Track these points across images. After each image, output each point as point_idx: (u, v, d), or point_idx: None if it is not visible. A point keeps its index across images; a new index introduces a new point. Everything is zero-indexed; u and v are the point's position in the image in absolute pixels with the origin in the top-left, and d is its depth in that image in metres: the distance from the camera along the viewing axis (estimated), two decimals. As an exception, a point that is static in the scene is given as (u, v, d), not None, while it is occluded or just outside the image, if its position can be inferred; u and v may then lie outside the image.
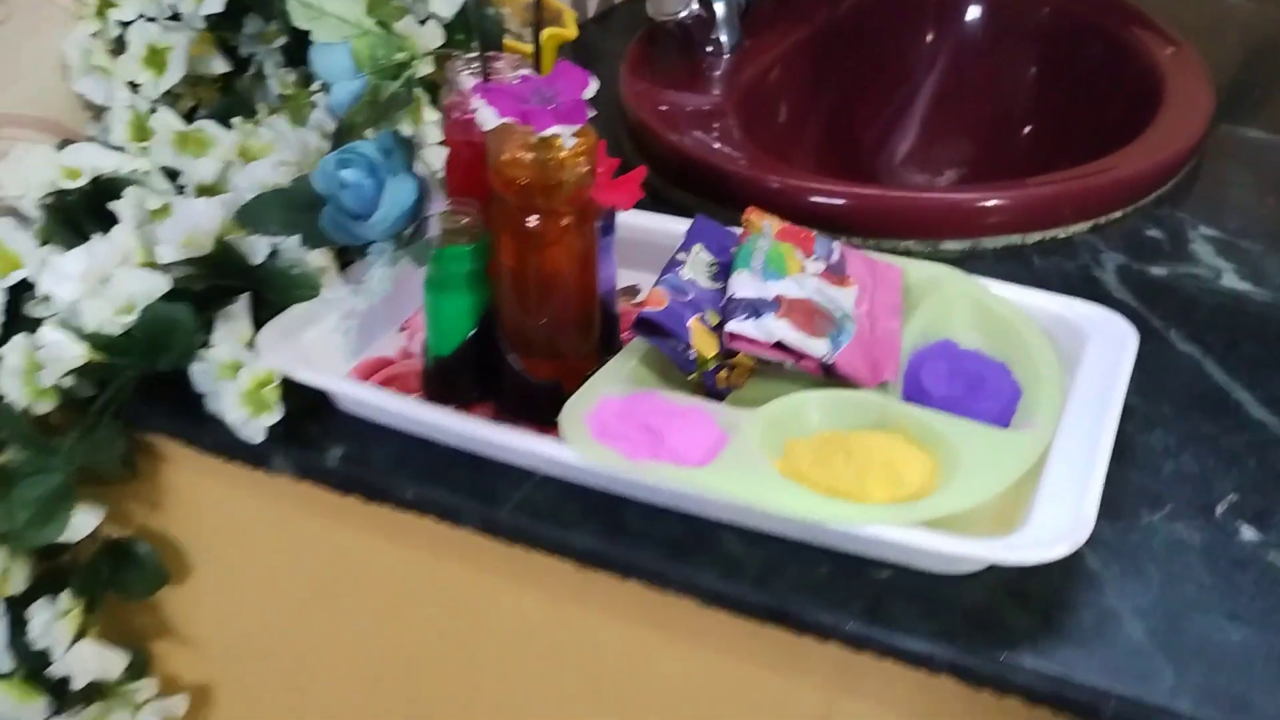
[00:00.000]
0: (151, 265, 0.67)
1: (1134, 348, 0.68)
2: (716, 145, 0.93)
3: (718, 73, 1.10)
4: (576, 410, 0.61)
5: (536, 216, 0.61)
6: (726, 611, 0.57)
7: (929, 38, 1.28)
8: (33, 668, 0.70)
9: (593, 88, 0.60)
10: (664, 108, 0.98)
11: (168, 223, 0.67)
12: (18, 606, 0.69)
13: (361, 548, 0.67)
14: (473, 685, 0.69)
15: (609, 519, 0.60)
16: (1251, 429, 0.67)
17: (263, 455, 0.65)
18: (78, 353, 0.63)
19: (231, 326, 0.66)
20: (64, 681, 0.71)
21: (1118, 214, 0.88)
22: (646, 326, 0.64)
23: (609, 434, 0.60)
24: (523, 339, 0.65)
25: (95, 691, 0.73)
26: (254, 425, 0.64)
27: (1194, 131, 0.95)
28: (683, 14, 1.08)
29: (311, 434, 0.65)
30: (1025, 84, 1.24)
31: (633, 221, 0.78)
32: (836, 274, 0.70)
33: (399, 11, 0.70)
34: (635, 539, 0.59)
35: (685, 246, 0.70)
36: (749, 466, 0.58)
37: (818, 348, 0.64)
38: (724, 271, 0.69)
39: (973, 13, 1.28)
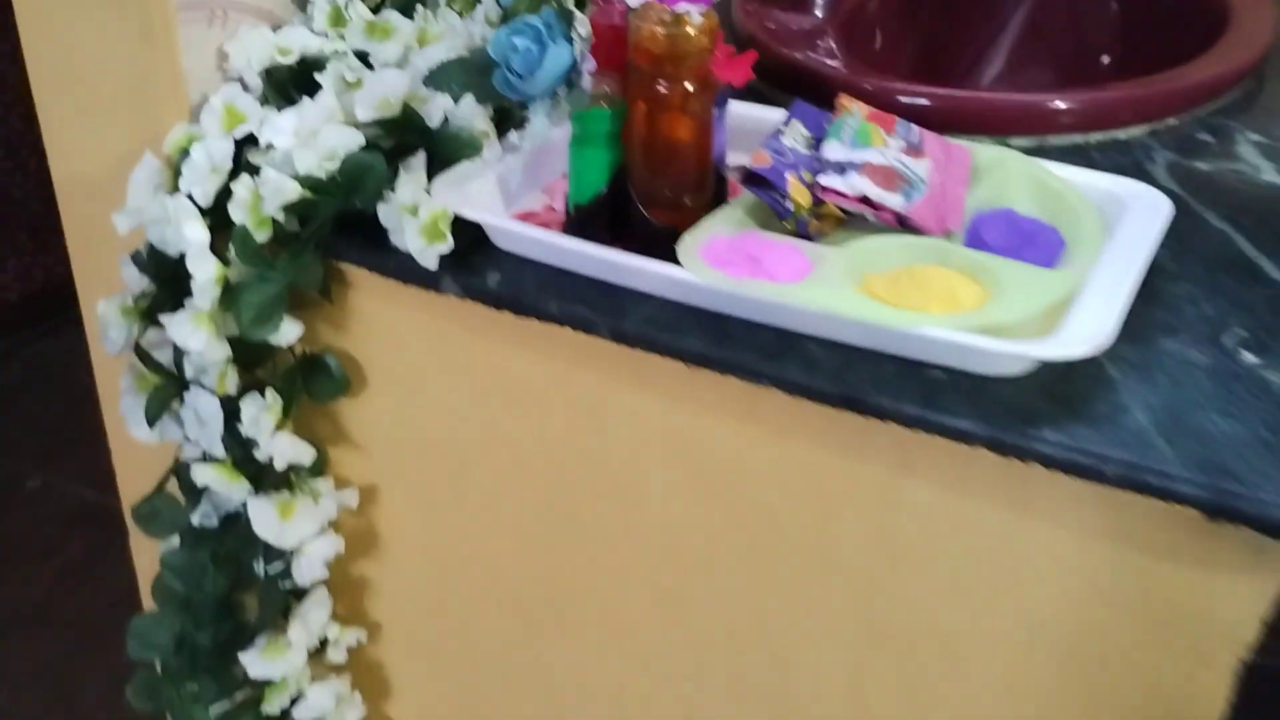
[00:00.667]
0: (350, 124, 0.82)
1: (1167, 214, 0.80)
2: (818, 57, 1.06)
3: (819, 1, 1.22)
4: (692, 243, 0.75)
5: (665, 82, 0.75)
6: (808, 399, 0.71)
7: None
8: (241, 455, 0.86)
9: (716, -22, 0.74)
10: (771, 25, 1.11)
11: (363, 90, 0.82)
12: (230, 405, 0.85)
13: (511, 358, 0.82)
14: (601, 476, 0.83)
15: (715, 330, 0.74)
16: (1267, 285, 0.78)
17: (435, 279, 0.80)
18: (294, 188, 0.79)
19: (412, 175, 0.81)
20: (261, 471, 0.87)
21: (1174, 120, 1.00)
22: (752, 178, 0.78)
23: (718, 260, 0.74)
24: (649, 191, 0.79)
25: (285, 482, 0.89)
26: (429, 253, 0.79)
27: (1254, 53, 1.06)
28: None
29: (474, 263, 0.80)
30: (1106, 17, 1.34)
31: (739, 111, 0.92)
32: (915, 150, 0.83)
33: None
34: (736, 344, 0.73)
35: (785, 122, 0.84)
36: (830, 285, 0.71)
37: (894, 201, 0.77)
38: (818, 144, 0.82)
39: (1061, -49, 1.38)
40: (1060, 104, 0.97)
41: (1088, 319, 0.69)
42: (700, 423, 0.77)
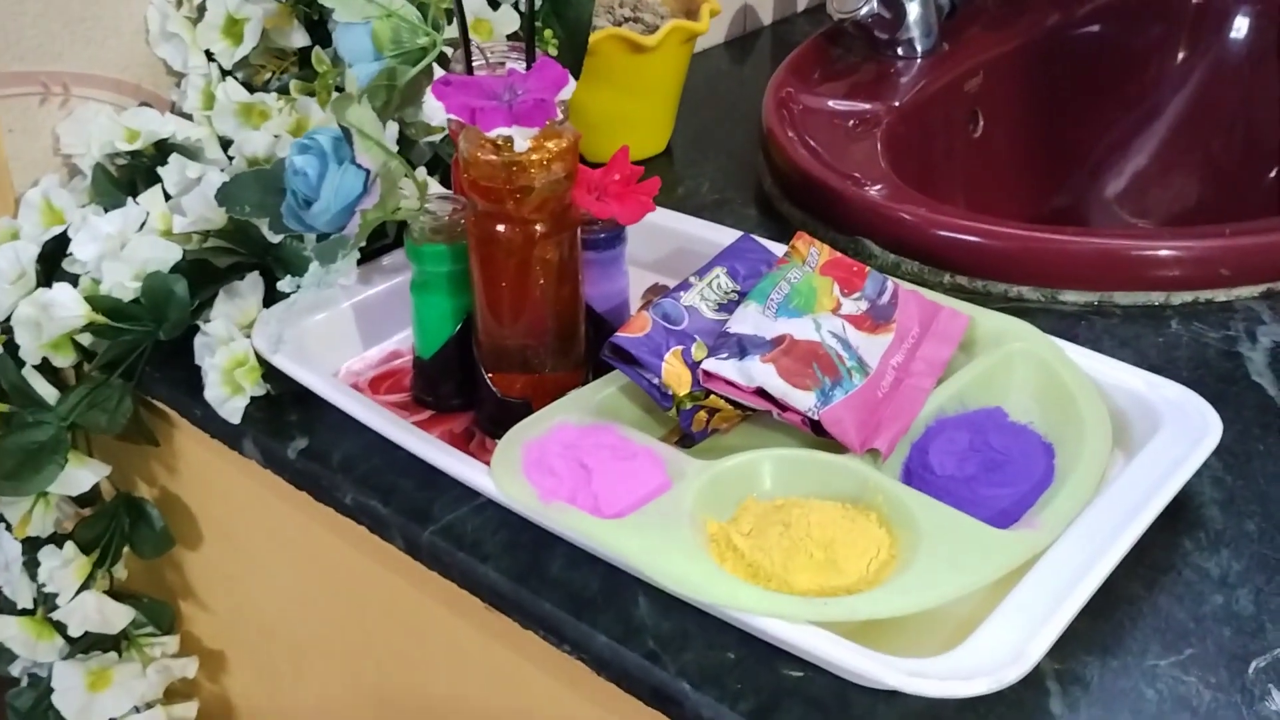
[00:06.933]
0: (175, 235, 0.67)
1: (1210, 443, 0.56)
2: (844, 159, 0.84)
3: (903, 79, 1.00)
4: (521, 436, 0.57)
5: (506, 223, 0.57)
6: (614, 683, 0.51)
7: (1180, 55, 1.13)
8: (51, 609, 0.73)
9: (569, 89, 0.55)
10: (801, 111, 0.90)
11: (191, 194, 0.67)
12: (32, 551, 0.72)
13: (323, 541, 0.65)
14: (426, 691, 0.66)
15: (529, 558, 0.55)
16: (1354, 567, 0.53)
17: (237, 437, 0.64)
18: (77, 313, 0.64)
19: (235, 303, 0.65)
20: (81, 625, 0.74)
21: (1309, 280, 0.74)
22: (617, 352, 0.58)
23: (540, 467, 0.55)
24: (495, 351, 0.60)
25: (114, 641, 0.75)
26: (229, 406, 0.63)
27: None
28: (862, 11, 0.99)
29: (287, 421, 0.64)
30: (1282, 116, 1.07)
31: (689, 230, 0.73)
32: (877, 318, 0.62)
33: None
34: (547, 584, 0.53)
35: (705, 270, 0.64)
36: (662, 526, 0.51)
37: (801, 400, 0.56)
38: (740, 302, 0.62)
39: (1237, 28, 1.11)
40: (1138, 251, 0.73)
41: (1014, 626, 0.47)
42: (520, 677, 0.58)
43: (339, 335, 0.68)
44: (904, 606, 0.47)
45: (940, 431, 0.58)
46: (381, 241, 0.71)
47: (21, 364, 0.67)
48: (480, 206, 0.57)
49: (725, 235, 0.71)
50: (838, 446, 0.56)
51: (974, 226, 0.75)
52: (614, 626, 0.51)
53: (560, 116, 0.55)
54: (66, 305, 0.64)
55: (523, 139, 0.54)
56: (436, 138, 0.72)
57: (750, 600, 0.48)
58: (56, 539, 0.72)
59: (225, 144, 0.73)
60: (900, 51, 1.02)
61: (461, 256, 0.60)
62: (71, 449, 0.67)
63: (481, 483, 0.55)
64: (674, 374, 0.57)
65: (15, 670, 0.77)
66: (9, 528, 0.71)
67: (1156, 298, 0.72)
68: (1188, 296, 0.72)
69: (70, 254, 0.68)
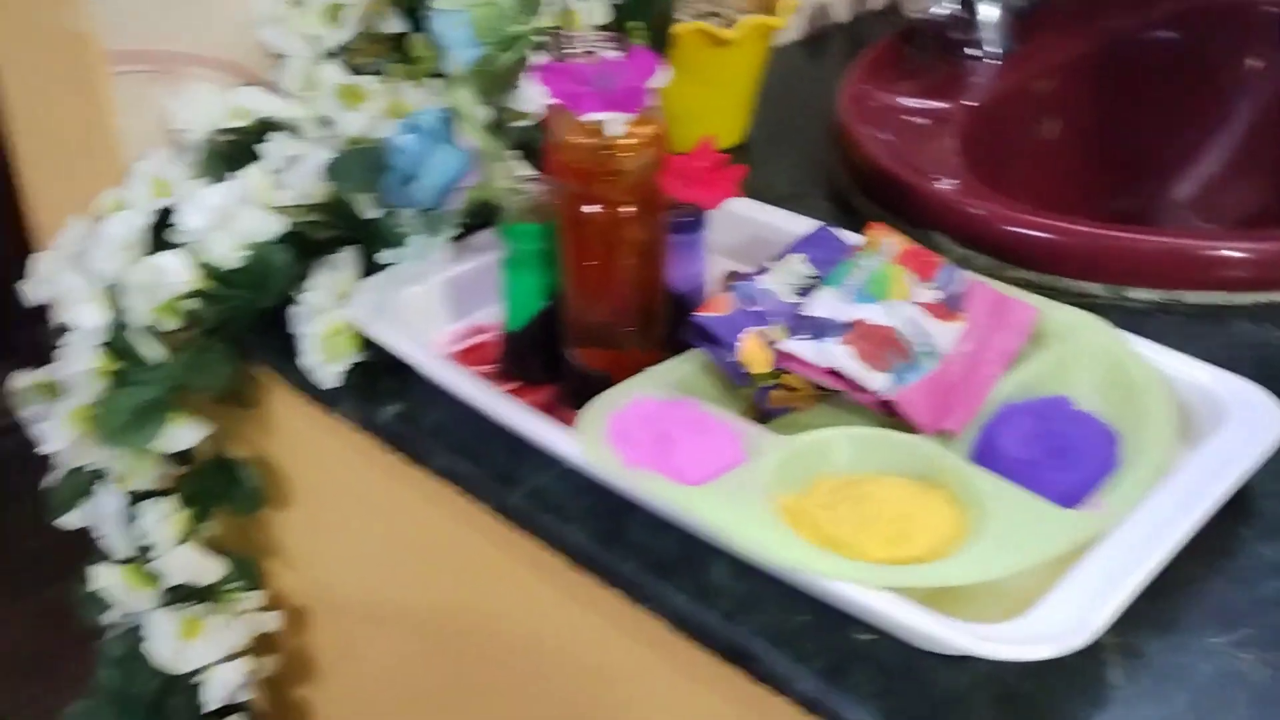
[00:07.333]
0: (278, 208, 0.71)
1: (1276, 437, 0.58)
2: (918, 155, 0.86)
3: (973, 78, 1.02)
4: (605, 407, 0.59)
5: (595, 204, 0.60)
6: (694, 640, 0.54)
7: (1254, 63, 1.14)
8: (148, 560, 0.77)
9: (661, 77, 0.58)
10: (875, 107, 0.92)
11: (294, 170, 0.70)
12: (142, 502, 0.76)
13: (411, 503, 0.68)
14: (500, 651, 0.69)
15: (610, 522, 0.58)
16: None
17: (333, 400, 0.67)
18: (186, 279, 0.68)
19: (333, 275, 0.69)
20: (174, 578, 0.78)
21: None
22: (698, 331, 0.61)
23: (623, 437, 0.58)
24: (580, 326, 0.63)
25: (205, 593, 0.79)
26: (326, 370, 0.66)
27: None
28: (937, 11, 1.01)
29: (382, 388, 0.67)
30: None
31: (767, 219, 0.76)
32: (949, 307, 0.64)
33: (546, -15, 0.70)
34: (627, 547, 0.56)
35: (783, 255, 0.66)
36: (740, 495, 0.54)
37: (877, 381, 0.58)
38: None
39: (1315, 36, 1.12)
40: (1205, 251, 0.75)
41: (1078, 598, 0.49)
42: (597, 635, 0.61)
43: (431, 308, 0.71)
44: (974, 575, 0.49)
45: (1008, 417, 0.60)
46: (471, 220, 0.74)
47: (131, 327, 0.70)
48: (572, 188, 0.60)
49: (802, 225, 0.73)
50: (909, 427, 0.58)
51: (1045, 223, 0.77)
52: (692, 588, 0.54)
53: (653, 103, 0.58)
54: (176, 271, 0.68)
55: (616, 124, 0.56)
56: (526, 122, 0.75)
57: (825, 565, 0.50)
58: (155, 493, 0.76)
59: (324, 123, 0.76)
60: (973, 52, 1.04)
61: (552, 235, 0.63)
62: (174, 408, 0.71)
63: (568, 449, 0.58)
64: (752, 353, 0.60)
65: (107, 619, 0.81)
66: (113, 481, 0.75)
67: (1223, 298, 0.74)
68: (1255, 297, 0.74)
69: (171, 224, 0.72)
